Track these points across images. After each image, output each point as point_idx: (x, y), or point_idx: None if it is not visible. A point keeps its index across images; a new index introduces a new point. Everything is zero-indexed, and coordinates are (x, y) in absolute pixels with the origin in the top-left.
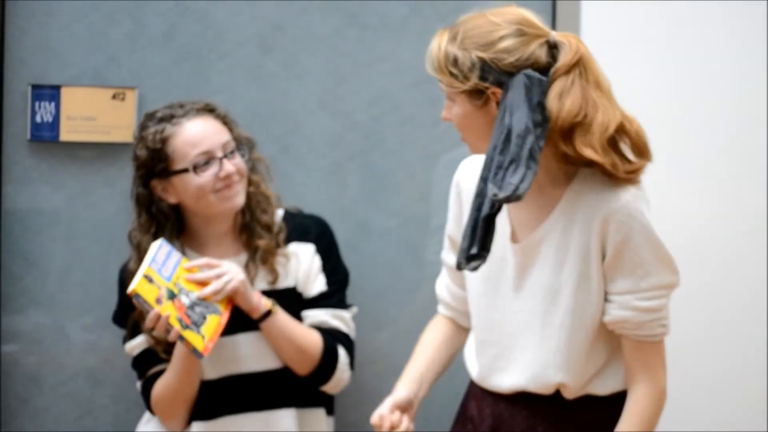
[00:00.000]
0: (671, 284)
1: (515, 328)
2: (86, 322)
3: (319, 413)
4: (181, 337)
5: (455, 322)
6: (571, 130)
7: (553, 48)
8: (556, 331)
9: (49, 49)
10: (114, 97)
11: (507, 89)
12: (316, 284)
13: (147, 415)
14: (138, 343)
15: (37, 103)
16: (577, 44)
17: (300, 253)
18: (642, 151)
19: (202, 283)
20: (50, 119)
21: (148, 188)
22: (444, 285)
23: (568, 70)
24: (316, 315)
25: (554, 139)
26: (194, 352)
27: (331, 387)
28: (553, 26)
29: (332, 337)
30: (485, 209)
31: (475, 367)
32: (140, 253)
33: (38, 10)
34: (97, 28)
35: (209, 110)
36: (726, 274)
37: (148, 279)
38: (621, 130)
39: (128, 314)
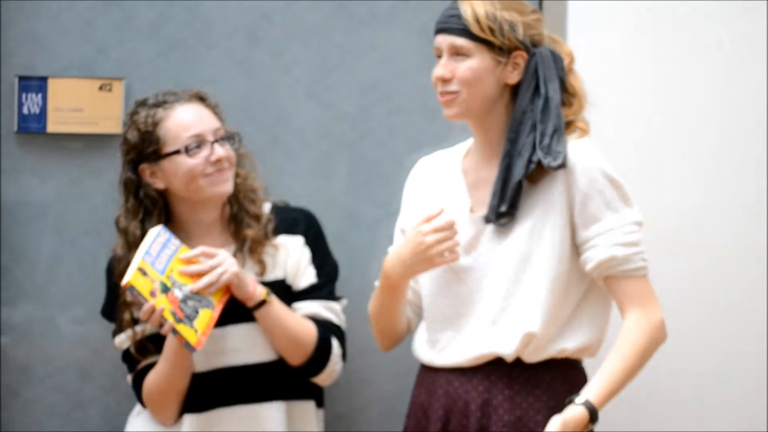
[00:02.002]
0: (639, 220)
1: (478, 293)
2: (76, 314)
3: (309, 405)
4: (174, 331)
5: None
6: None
7: (552, 42)
8: (521, 287)
9: (36, 40)
10: (101, 88)
11: (532, 57)
12: (305, 276)
13: (138, 407)
14: (127, 338)
15: (23, 95)
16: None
17: (289, 246)
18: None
19: (196, 275)
20: (37, 111)
21: (136, 173)
22: None
23: (572, 61)
24: (307, 306)
25: None
26: (187, 346)
27: (323, 378)
28: None
29: (325, 328)
30: (519, 171)
31: (428, 349)
32: (127, 238)
33: (25, 1)
34: (85, 19)
35: (200, 98)
36: (726, 270)
37: (142, 272)
38: None
39: (116, 308)
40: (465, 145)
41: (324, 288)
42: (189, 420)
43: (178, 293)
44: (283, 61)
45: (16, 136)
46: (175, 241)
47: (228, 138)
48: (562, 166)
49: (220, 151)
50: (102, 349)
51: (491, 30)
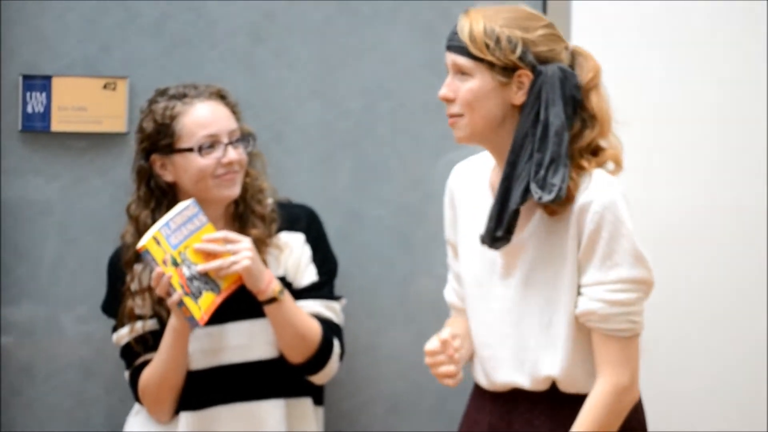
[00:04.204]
0: (641, 280)
1: (506, 327)
2: (79, 313)
3: (307, 403)
4: (180, 302)
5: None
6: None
7: (571, 56)
8: (545, 328)
9: (41, 39)
10: (105, 86)
11: (538, 76)
12: (306, 274)
13: (136, 406)
14: (126, 333)
15: (28, 94)
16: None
17: (290, 243)
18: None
19: (210, 256)
20: (41, 109)
21: (148, 162)
22: (452, 290)
23: (596, 77)
24: (308, 306)
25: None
26: (191, 320)
27: (320, 377)
28: None
29: (327, 327)
30: (515, 199)
31: (478, 371)
32: (138, 226)
33: (29, 0)
34: (89, 17)
35: (221, 96)
36: (726, 271)
37: (156, 241)
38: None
39: (117, 303)
40: None
41: (324, 287)
42: (186, 418)
43: (185, 271)
44: (286, 60)
45: (20, 135)
46: (202, 218)
47: (243, 140)
48: (556, 200)
49: (233, 153)
50: (105, 348)
51: (488, 48)
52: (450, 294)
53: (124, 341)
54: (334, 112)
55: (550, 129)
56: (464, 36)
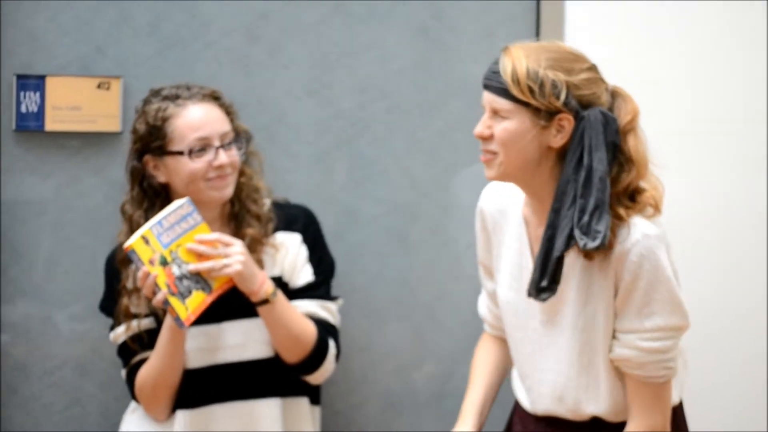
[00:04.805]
0: (677, 327)
1: (545, 363)
2: (74, 312)
3: (304, 402)
4: (166, 302)
5: (502, 338)
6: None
7: (612, 96)
8: (584, 369)
9: (34, 39)
10: (99, 86)
11: (580, 121)
12: (302, 274)
13: (133, 404)
14: (123, 332)
15: (22, 93)
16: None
17: (287, 243)
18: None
19: (202, 257)
20: (35, 109)
21: (141, 162)
22: (485, 306)
23: (634, 119)
24: (303, 306)
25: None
26: (177, 320)
27: (315, 377)
28: (537, 27)
29: (323, 328)
30: (559, 246)
31: (517, 390)
32: (131, 226)
33: (24, 0)
34: (83, 17)
35: (215, 98)
36: (726, 273)
37: (145, 240)
38: None
39: (114, 302)
40: None
41: (321, 287)
42: (182, 416)
43: (175, 270)
44: (280, 59)
45: (14, 135)
46: (196, 217)
47: (236, 141)
48: (600, 247)
49: (224, 157)
50: (100, 347)
51: (531, 91)
52: (483, 309)
53: (120, 340)
54: (329, 111)
55: (594, 175)
56: (506, 77)
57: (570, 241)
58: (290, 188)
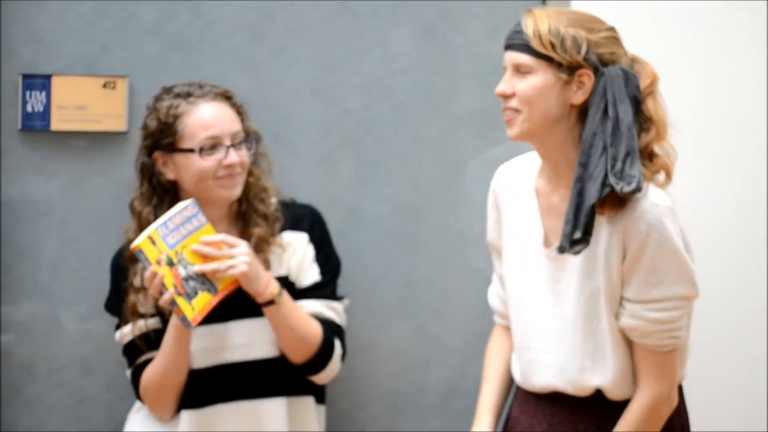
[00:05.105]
0: (685, 296)
1: (549, 333)
2: (79, 311)
3: (309, 402)
4: (173, 302)
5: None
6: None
7: (631, 62)
8: (590, 336)
9: (40, 38)
10: (105, 86)
11: (601, 77)
12: (309, 274)
13: (137, 403)
14: (128, 331)
15: (27, 93)
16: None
17: (293, 242)
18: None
19: (207, 258)
20: (41, 109)
21: (150, 159)
22: (495, 295)
23: (654, 83)
24: (310, 305)
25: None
26: (183, 320)
27: (321, 377)
28: None
29: (328, 328)
30: (592, 194)
31: (516, 369)
32: (140, 222)
33: (29, 0)
34: (88, 17)
35: (227, 97)
36: (727, 271)
37: (151, 240)
38: None
39: (120, 301)
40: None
41: (327, 287)
42: (187, 416)
43: (181, 271)
44: (286, 59)
45: (20, 134)
46: (201, 218)
47: (246, 141)
48: (636, 191)
49: (234, 156)
50: (105, 346)
51: (553, 46)
52: (493, 298)
53: (126, 339)
54: (334, 110)
55: (622, 124)
56: (529, 33)
57: (604, 188)
58: (295, 187)
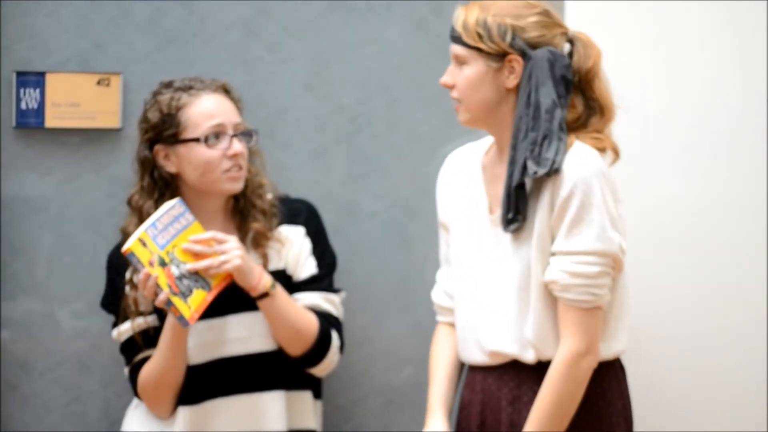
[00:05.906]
0: (605, 253)
1: (491, 299)
2: (75, 308)
3: (307, 396)
4: (169, 302)
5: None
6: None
7: (570, 42)
8: (522, 292)
9: (34, 35)
10: (99, 83)
11: (528, 61)
12: (306, 267)
13: (135, 400)
14: (126, 329)
15: (22, 90)
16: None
17: (291, 236)
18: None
19: (199, 256)
20: (35, 106)
21: (151, 152)
22: (440, 290)
23: (597, 64)
24: (307, 298)
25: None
26: (181, 320)
27: (320, 370)
28: None
29: (325, 320)
30: (516, 178)
31: (463, 349)
32: (141, 217)
33: None
34: (82, 14)
35: (226, 90)
36: (726, 269)
37: (142, 242)
38: None
39: (116, 299)
40: (490, 140)
41: (324, 279)
42: (184, 412)
43: (174, 270)
44: (280, 55)
45: (14, 131)
46: (188, 217)
47: (247, 134)
48: (549, 173)
49: (238, 146)
50: (101, 343)
51: (480, 36)
52: (438, 294)
53: (124, 337)
54: (329, 106)
55: (541, 108)
56: (459, 26)
57: (525, 171)
58: (289, 183)
